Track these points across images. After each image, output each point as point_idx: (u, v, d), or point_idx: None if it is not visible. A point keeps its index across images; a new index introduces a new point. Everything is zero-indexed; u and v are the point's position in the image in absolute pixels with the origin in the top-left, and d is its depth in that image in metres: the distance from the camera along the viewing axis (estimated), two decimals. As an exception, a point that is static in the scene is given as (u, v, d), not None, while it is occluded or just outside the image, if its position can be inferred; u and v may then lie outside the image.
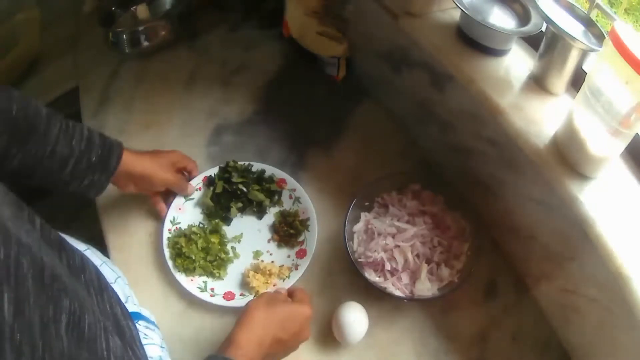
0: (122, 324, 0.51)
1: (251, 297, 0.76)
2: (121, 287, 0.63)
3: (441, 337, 0.74)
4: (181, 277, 0.77)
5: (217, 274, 0.78)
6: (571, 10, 0.67)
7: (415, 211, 0.81)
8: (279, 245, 0.82)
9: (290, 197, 0.86)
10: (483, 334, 0.74)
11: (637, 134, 0.59)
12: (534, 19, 0.71)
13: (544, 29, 0.69)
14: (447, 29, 0.77)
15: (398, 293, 0.74)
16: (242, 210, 0.85)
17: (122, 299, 0.58)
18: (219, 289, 0.77)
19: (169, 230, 0.81)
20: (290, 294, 0.67)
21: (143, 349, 0.55)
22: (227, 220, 0.84)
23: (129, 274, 0.69)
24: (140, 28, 1.06)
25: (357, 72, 1.04)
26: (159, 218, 0.83)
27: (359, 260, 0.77)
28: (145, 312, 0.64)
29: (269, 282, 0.77)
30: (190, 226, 0.82)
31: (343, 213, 0.79)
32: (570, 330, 0.72)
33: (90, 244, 0.66)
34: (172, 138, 0.96)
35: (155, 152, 0.80)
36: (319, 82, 1.04)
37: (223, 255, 0.79)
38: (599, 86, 0.55)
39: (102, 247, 0.82)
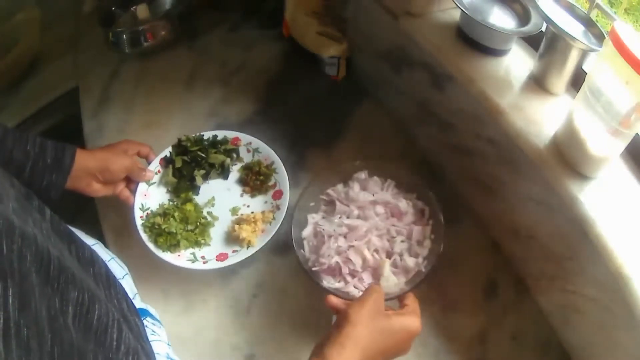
0: (129, 319, 0.51)
1: (245, 250, 0.76)
2: (129, 284, 0.63)
3: (441, 337, 0.74)
4: (168, 256, 0.76)
5: (203, 241, 0.78)
6: (571, 10, 0.67)
7: (364, 203, 0.74)
8: (253, 195, 0.84)
9: (248, 150, 0.88)
10: (483, 334, 0.74)
11: (637, 134, 0.59)
12: (534, 19, 0.71)
13: (544, 29, 0.69)
14: (447, 29, 0.77)
15: None
16: (206, 177, 0.86)
17: (130, 295, 0.58)
18: (210, 254, 0.77)
19: (141, 217, 0.80)
20: (401, 300, 0.63)
21: (150, 345, 0.55)
22: (195, 189, 0.85)
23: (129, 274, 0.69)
24: (140, 28, 1.06)
25: (357, 72, 1.04)
26: (128, 207, 0.80)
27: (314, 269, 0.70)
28: (151, 310, 0.64)
29: (256, 229, 0.78)
30: (161, 205, 0.82)
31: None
32: (570, 330, 0.72)
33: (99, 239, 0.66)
34: (172, 138, 0.96)
35: (106, 145, 0.80)
36: (319, 82, 1.04)
37: (202, 221, 0.80)
38: (599, 86, 0.55)
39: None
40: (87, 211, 0.87)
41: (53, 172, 0.68)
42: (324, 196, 0.78)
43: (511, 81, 0.71)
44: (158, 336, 0.59)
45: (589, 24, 0.65)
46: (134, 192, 0.81)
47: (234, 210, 0.82)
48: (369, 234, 0.71)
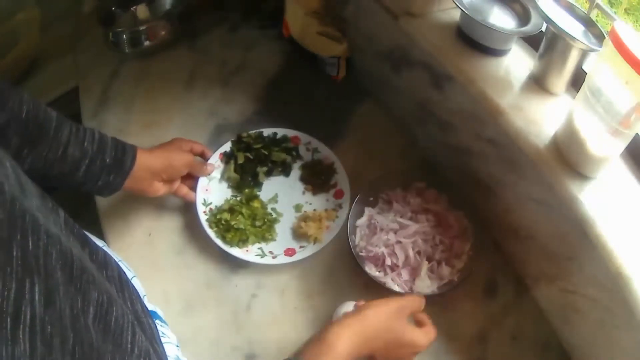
0: (142, 321, 0.51)
1: (312, 245, 0.80)
2: (137, 286, 0.63)
3: (441, 337, 0.73)
4: (236, 251, 0.78)
5: (270, 237, 0.81)
6: (571, 10, 0.67)
7: (418, 209, 0.81)
8: (315, 193, 0.87)
9: (308, 149, 0.91)
10: (483, 334, 0.74)
11: (637, 134, 0.59)
12: (534, 19, 0.71)
13: (544, 29, 0.69)
14: (447, 29, 0.77)
15: (397, 288, 0.74)
16: (268, 174, 0.89)
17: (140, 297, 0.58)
18: (277, 250, 0.80)
19: (204, 212, 0.82)
20: (415, 315, 0.66)
21: (162, 347, 0.54)
22: (259, 186, 0.88)
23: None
24: (141, 28, 1.06)
25: (357, 72, 1.04)
26: (189, 205, 0.83)
27: (360, 254, 0.77)
28: (159, 312, 0.64)
29: (321, 226, 0.81)
30: (227, 200, 0.85)
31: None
32: (570, 330, 0.72)
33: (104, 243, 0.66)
34: (172, 138, 0.96)
35: (159, 145, 0.79)
36: (319, 82, 1.04)
37: (269, 217, 0.83)
38: (599, 86, 0.55)
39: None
40: (87, 211, 0.87)
41: (111, 173, 0.67)
42: (383, 195, 0.84)
43: (511, 81, 0.71)
44: (168, 338, 0.59)
45: (589, 24, 0.65)
46: (194, 188, 0.83)
47: (298, 207, 0.85)
48: (417, 235, 0.78)
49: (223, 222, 0.80)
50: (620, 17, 0.62)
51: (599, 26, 0.65)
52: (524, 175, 0.71)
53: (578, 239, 0.63)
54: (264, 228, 0.81)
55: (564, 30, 0.61)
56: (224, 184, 0.87)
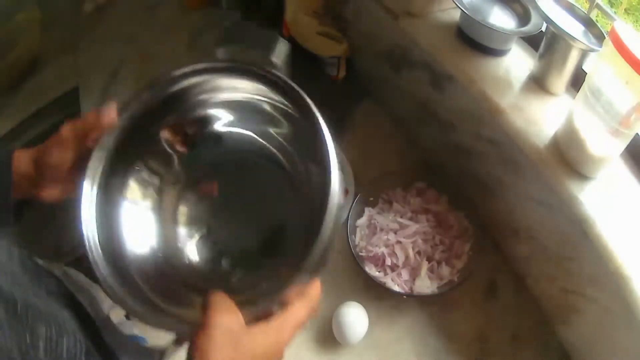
0: (99, 344, 0.50)
1: None
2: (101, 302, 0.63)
3: (441, 337, 0.74)
4: None
5: None
6: (571, 10, 0.67)
7: (418, 209, 0.81)
8: None
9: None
10: (483, 334, 0.74)
11: (637, 134, 0.59)
12: (534, 19, 0.71)
13: (544, 29, 0.69)
14: (447, 29, 0.77)
15: (397, 289, 0.74)
16: None
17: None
18: None
19: None
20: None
21: None
22: None
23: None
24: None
25: (357, 72, 1.04)
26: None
27: (360, 254, 0.77)
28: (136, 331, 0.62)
29: None
30: None
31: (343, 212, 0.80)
32: (570, 330, 0.72)
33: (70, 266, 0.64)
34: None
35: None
36: (319, 82, 1.04)
37: None
38: (599, 86, 0.55)
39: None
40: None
41: None
42: (383, 195, 0.84)
43: (511, 81, 0.71)
44: None
45: (589, 24, 0.65)
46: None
47: None
48: (417, 235, 0.78)
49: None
50: (620, 17, 0.62)
51: (599, 26, 0.65)
52: (524, 175, 0.71)
53: (578, 239, 0.63)
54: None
55: (564, 30, 0.61)
56: None
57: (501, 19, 0.72)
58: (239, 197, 0.56)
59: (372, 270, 0.76)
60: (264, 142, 0.55)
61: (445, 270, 0.75)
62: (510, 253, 0.81)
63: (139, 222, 0.53)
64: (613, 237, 0.57)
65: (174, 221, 0.55)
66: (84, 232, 0.47)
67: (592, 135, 0.58)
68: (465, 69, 0.72)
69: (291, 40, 1.06)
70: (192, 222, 0.55)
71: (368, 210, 0.82)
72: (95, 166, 0.50)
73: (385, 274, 0.76)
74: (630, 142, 0.57)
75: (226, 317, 0.38)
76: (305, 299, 0.42)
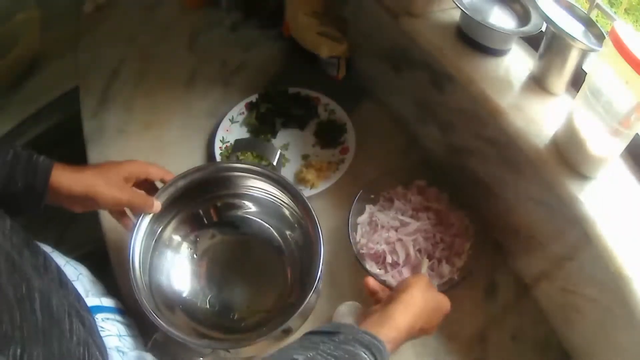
0: (81, 314, 0.53)
1: (308, 189, 0.86)
2: (82, 284, 0.64)
3: (441, 337, 0.74)
4: None
5: None
6: (571, 10, 0.67)
7: (419, 206, 0.81)
8: (323, 147, 0.94)
9: (325, 110, 0.98)
10: (483, 334, 0.74)
11: (637, 134, 0.59)
12: (534, 19, 0.71)
13: (544, 29, 0.69)
14: (447, 29, 0.77)
15: None
16: (285, 125, 0.97)
17: (83, 294, 0.60)
18: None
19: (220, 148, 0.92)
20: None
21: (102, 340, 0.57)
22: (274, 133, 0.96)
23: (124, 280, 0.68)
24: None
25: (357, 72, 1.04)
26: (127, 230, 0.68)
27: (361, 251, 0.77)
28: (106, 302, 0.64)
29: (320, 175, 0.87)
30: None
31: (344, 211, 0.80)
32: (570, 330, 0.72)
33: (57, 248, 0.66)
34: (172, 138, 0.96)
35: (104, 164, 0.66)
36: (319, 82, 1.04)
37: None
38: (599, 86, 0.55)
39: (100, 246, 0.82)
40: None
41: (24, 197, 0.58)
42: (384, 193, 0.84)
43: (511, 81, 0.71)
44: (108, 331, 0.60)
45: (589, 24, 0.65)
46: (134, 225, 0.67)
47: (305, 157, 0.92)
48: (418, 233, 0.78)
49: (234, 158, 0.83)
50: (620, 17, 0.62)
51: (599, 26, 0.65)
52: (524, 175, 0.71)
53: (578, 239, 0.63)
54: (269, 168, 0.81)
55: (564, 30, 0.61)
56: (244, 129, 0.96)
57: (501, 19, 0.72)
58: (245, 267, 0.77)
59: (372, 267, 0.76)
60: (272, 230, 0.78)
61: (445, 268, 0.75)
62: (510, 253, 0.81)
63: (177, 268, 0.74)
64: (613, 237, 0.57)
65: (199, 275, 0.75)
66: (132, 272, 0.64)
67: (592, 135, 0.58)
68: (465, 69, 0.72)
69: (291, 40, 1.06)
70: (210, 279, 0.75)
71: (369, 208, 0.82)
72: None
73: (386, 271, 0.76)
74: (630, 142, 0.57)
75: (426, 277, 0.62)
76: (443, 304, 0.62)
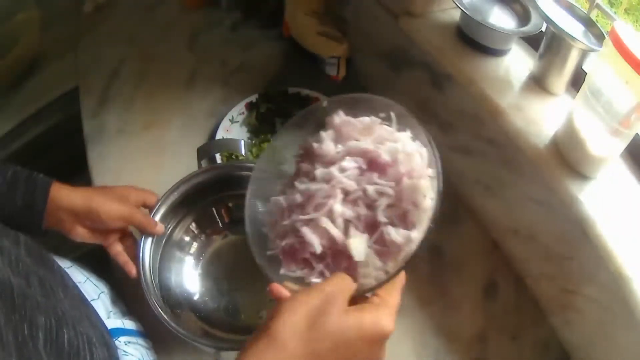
0: (102, 340, 0.51)
1: None
2: (103, 303, 0.62)
3: (441, 337, 0.73)
4: None
5: None
6: (571, 10, 0.67)
7: (334, 157, 0.50)
8: None
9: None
10: (483, 334, 0.74)
11: (637, 134, 0.59)
12: (534, 19, 0.71)
13: (544, 29, 0.69)
14: (447, 29, 0.77)
15: None
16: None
17: (104, 315, 0.58)
18: None
19: None
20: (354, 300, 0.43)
21: None
22: (274, 134, 0.94)
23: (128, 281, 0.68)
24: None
25: (357, 72, 1.04)
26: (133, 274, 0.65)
27: (268, 253, 0.50)
28: (128, 324, 0.63)
29: None
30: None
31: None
32: (570, 330, 0.72)
33: (77, 262, 0.65)
34: (172, 138, 0.96)
35: (105, 186, 0.67)
36: (319, 82, 1.04)
37: None
38: (599, 86, 0.55)
39: (101, 253, 0.81)
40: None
41: (24, 217, 0.57)
42: (297, 157, 0.56)
43: (511, 81, 0.71)
44: (131, 356, 0.58)
45: (589, 24, 0.65)
46: (137, 255, 0.65)
47: None
48: (330, 199, 0.47)
49: (233, 156, 0.86)
50: (620, 17, 0.62)
51: (599, 26, 0.65)
52: (524, 176, 0.71)
53: (578, 239, 0.63)
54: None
55: (564, 30, 0.61)
56: (244, 129, 0.96)
57: (501, 19, 0.72)
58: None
59: (291, 270, 0.48)
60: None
61: (398, 235, 0.45)
62: (510, 253, 0.81)
63: (187, 269, 0.73)
64: (613, 237, 0.57)
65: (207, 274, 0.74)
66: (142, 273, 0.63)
67: (592, 135, 0.58)
68: (465, 69, 0.72)
69: (291, 40, 1.06)
70: (220, 279, 0.74)
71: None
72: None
73: (311, 269, 0.48)
74: (630, 142, 0.57)
75: (328, 294, 0.40)
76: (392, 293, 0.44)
